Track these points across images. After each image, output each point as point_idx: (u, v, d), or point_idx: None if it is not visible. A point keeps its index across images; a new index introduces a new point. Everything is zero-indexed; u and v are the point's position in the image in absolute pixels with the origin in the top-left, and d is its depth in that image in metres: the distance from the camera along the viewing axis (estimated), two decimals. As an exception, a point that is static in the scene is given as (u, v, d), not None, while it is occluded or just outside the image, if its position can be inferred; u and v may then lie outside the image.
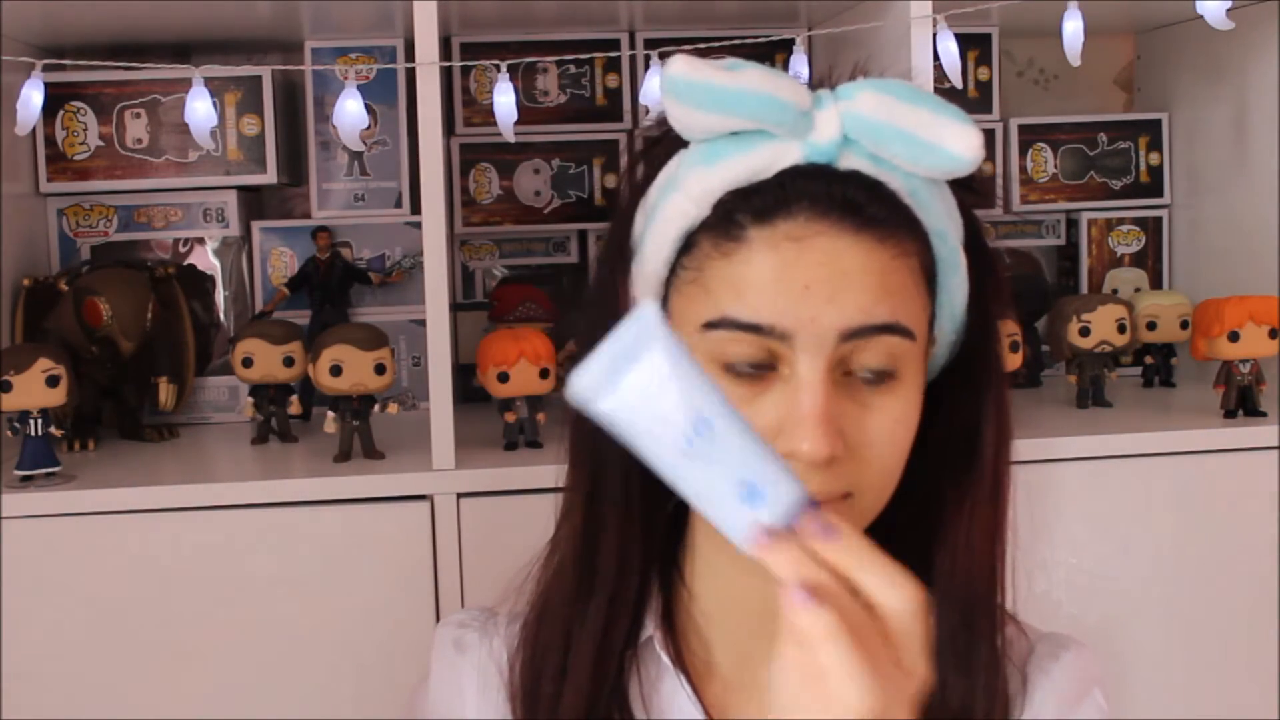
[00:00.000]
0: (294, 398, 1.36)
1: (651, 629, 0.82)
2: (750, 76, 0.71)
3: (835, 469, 0.72)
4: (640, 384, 0.59)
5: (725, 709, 0.83)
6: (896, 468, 0.76)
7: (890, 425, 0.74)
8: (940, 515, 0.80)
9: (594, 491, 0.83)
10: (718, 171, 0.73)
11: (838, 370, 0.73)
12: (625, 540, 0.82)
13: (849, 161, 0.73)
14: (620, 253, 0.80)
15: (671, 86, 0.72)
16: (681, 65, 0.71)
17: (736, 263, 0.72)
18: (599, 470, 0.82)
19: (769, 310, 0.71)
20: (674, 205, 0.75)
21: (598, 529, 0.83)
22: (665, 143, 0.79)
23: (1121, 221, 1.67)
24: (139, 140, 1.50)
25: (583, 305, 0.88)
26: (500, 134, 1.27)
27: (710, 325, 0.73)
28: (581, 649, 0.82)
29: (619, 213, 0.82)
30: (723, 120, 0.72)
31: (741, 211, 0.73)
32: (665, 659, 0.83)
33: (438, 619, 1.16)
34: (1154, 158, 1.67)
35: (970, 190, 0.81)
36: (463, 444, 1.20)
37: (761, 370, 0.73)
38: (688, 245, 0.75)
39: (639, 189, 0.80)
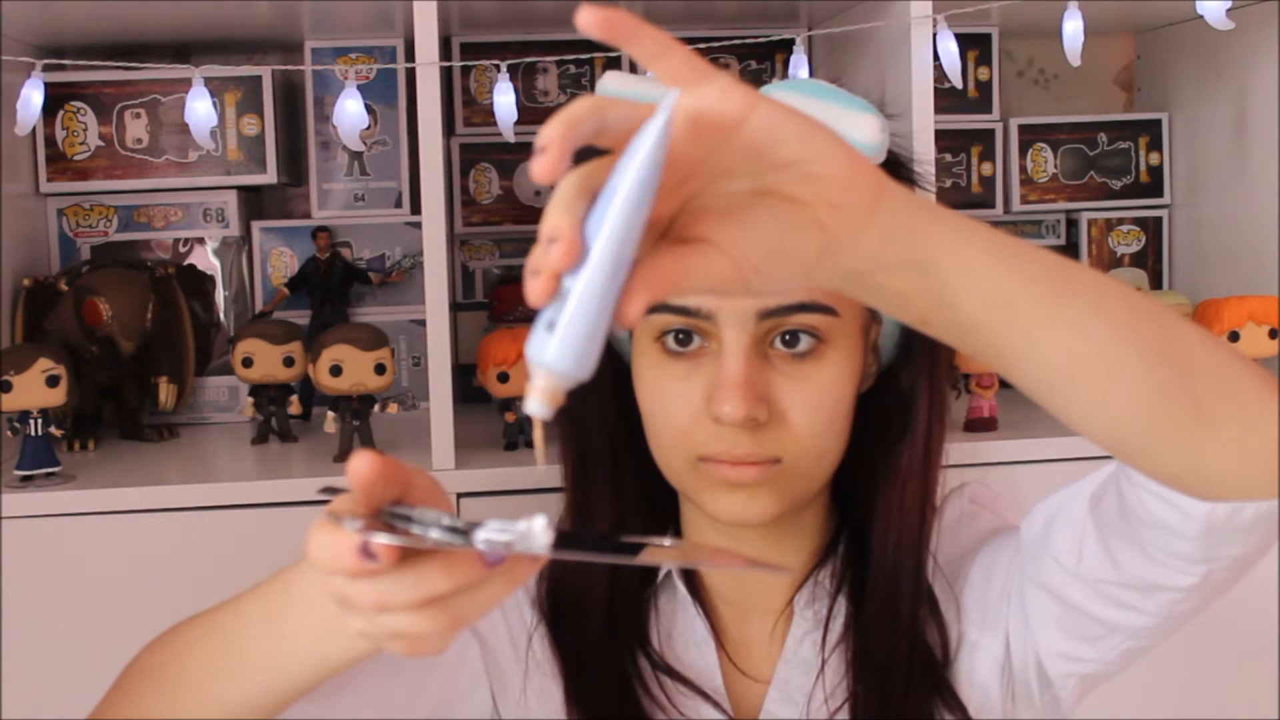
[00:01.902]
0: (294, 398, 1.36)
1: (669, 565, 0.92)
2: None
3: (763, 434, 0.82)
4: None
5: (734, 644, 0.92)
6: (828, 435, 0.85)
7: (815, 394, 0.83)
8: (875, 482, 0.90)
9: (582, 459, 0.93)
10: None
11: (763, 344, 0.83)
12: (619, 498, 0.92)
13: None
14: None
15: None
16: (614, 80, 0.78)
17: None
18: (584, 437, 0.93)
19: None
20: None
21: (589, 492, 0.93)
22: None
23: (1121, 221, 1.67)
24: (139, 140, 1.50)
25: None
26: (500, 134, 1.27)
27: (650, 310, 0.80)
28: (595, 598, 0.91)
29: None
30: None
31: None
32: (682, 589, 0.92)
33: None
34: (1154, 158, 1.66)
35: (909, 180, 0.91)
36: (463, 444, 1.20)
37: (693, 348, 0.84)
38: None
39: None
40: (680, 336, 0.84)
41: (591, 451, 0.93)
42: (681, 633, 0.92)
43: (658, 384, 0.85)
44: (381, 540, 0.54)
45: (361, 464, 0.55)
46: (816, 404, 0.83)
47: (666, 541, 0.59)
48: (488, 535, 0.54)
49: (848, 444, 0.88)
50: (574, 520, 0.93)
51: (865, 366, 0.89)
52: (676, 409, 0.84)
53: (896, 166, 0.90)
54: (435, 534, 0.54)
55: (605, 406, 0.92)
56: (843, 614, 0.91)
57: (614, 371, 0.92)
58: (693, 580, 0.93)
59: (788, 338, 0.83)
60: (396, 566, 0.55)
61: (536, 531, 0.53)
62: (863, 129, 0.78)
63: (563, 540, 0.54)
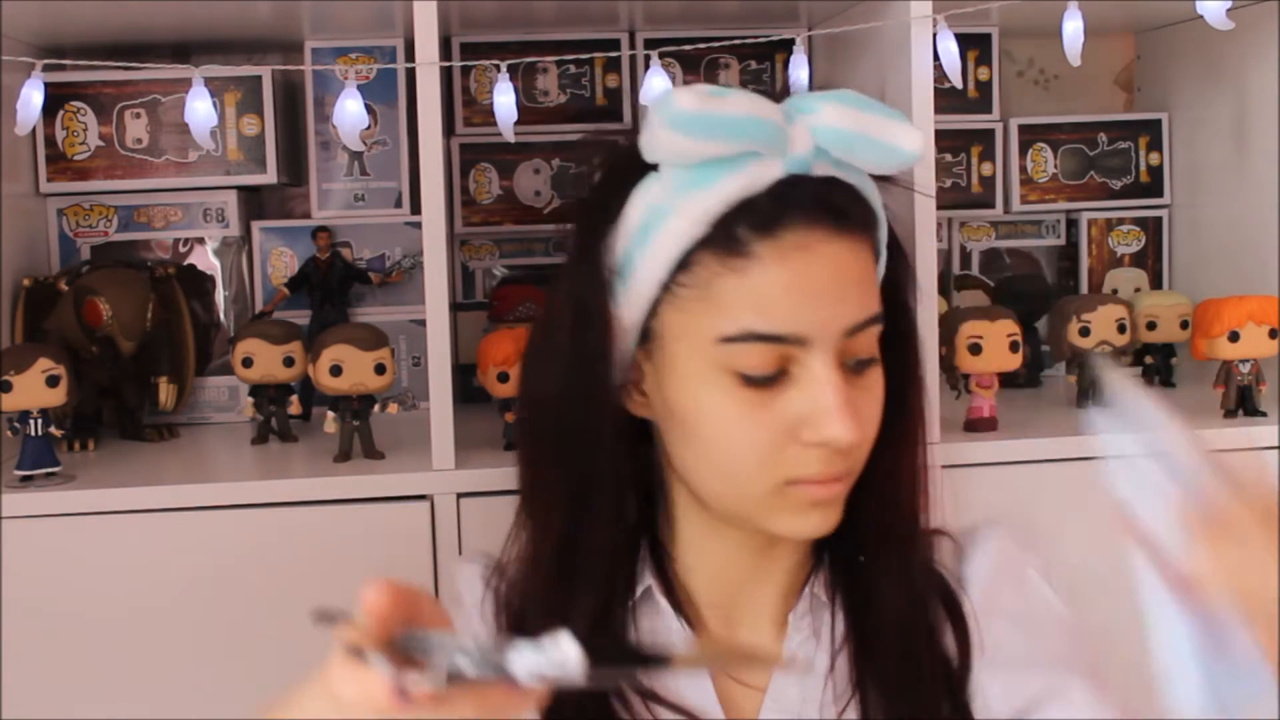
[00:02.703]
0: (294, 398, 1.36)
1: (650, 579, 0.89)
2: (738, 103, 0.78)
3: (848, 450, 0.81)
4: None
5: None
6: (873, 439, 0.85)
7: (875, 405, 0.84)
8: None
9: (581, 495, 0.87)
10: (715, 193, 0.79)
11: (842, 362, 0.82)
12: (613, 536, 0.88)
13: (820, 169, 0.81)
14: (601, 277, 0.84)
15: (679, 119, 0.77)
16: (690, 99, 0.77)
17: (750, 277, 0.79)
18: (589, 474, 0.87)
19: (789, 320, 0.79)
20: (670, 229, 0.81)
21: (582, 531, 0.88)
22: (623, 166, 0.84)
23: (1121, 221, 1.67)
24: (139, 140, 1.50)
25: (554, 328, 0.88)
26: (500, 134, 1.27)
27: (730, 339, 0.80)
28: (575, 615, 0.87)
29: (589, 240, 0.85)
30: (721, 146, 0.78)
31: (742, 226, 0.79)
32: (665, 604, 0.90)
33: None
34: (1154, 158, 1.67)
35: (893, 180, 0.91)
36: (463, 444, 1.20)
37: (774, 375, 0.80)
38: (684, 263, 0.81)
39: (607, 212, 0.84)
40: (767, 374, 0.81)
41: (598, 482, 0.88)
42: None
43: (734, 415, 0.81)
44: (421, 685, 0.54)
45: (376, 596, 0.55)
46: (875, 414, 0.84)
47: (687, 647, 0.60)
48: (526, 666, 0.55)
49: None
50: (558, 548, 0.89)
51: None
52: (761, 437, 0.80)
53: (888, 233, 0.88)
54: (468, 666, 0.55)
55: (620, 468, 0.87)
56: (840, 623, 0.90)
57: (627, 426, 0.87)
58: (673, 590, 0.90)
59: (856, 355, 0.82)
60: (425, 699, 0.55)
61: (571, 660, 0.55)
62: (912, 139, 0.81)
63: (592, 657, 0.55)
